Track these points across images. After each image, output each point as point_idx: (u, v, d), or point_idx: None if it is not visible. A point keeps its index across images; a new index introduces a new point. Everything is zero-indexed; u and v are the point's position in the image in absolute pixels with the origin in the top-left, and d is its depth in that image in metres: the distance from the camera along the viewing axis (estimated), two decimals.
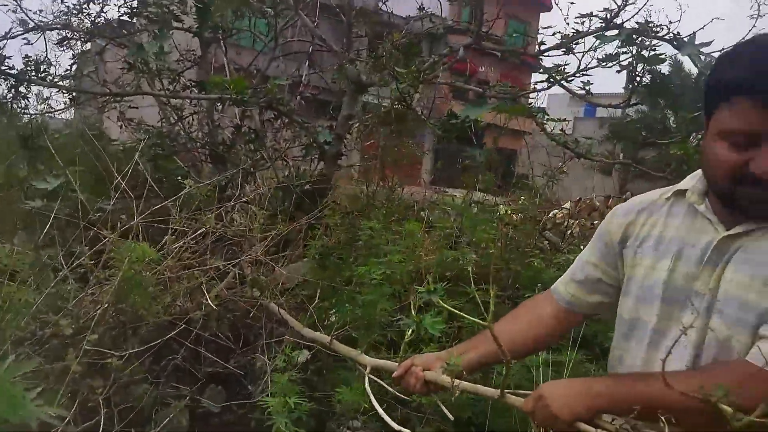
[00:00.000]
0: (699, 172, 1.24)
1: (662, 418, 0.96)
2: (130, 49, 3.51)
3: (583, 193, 8.81)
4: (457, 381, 1.32)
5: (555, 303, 1.45)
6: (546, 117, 3.40)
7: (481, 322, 1.15)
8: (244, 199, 3.66)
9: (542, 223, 5.57)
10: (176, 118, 3.85)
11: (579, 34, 2.93)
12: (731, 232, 1.13)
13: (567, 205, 5.49)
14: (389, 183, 4.39)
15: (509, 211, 4.61)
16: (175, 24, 3.85)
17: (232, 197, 3.94)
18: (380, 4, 5.24)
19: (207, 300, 2.43)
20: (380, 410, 1.44)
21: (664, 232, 1.23)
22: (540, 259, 3.15)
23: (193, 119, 4.26)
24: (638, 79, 2.90)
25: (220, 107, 4.00)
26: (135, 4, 4.30)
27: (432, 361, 1.44)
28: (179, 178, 3.99)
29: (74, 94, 3.61)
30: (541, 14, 33.45)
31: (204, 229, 2.22)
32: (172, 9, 3.93)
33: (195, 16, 3.49)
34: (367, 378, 1.55)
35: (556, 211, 5.48)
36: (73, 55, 3.93)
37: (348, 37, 3.75)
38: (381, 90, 3.76)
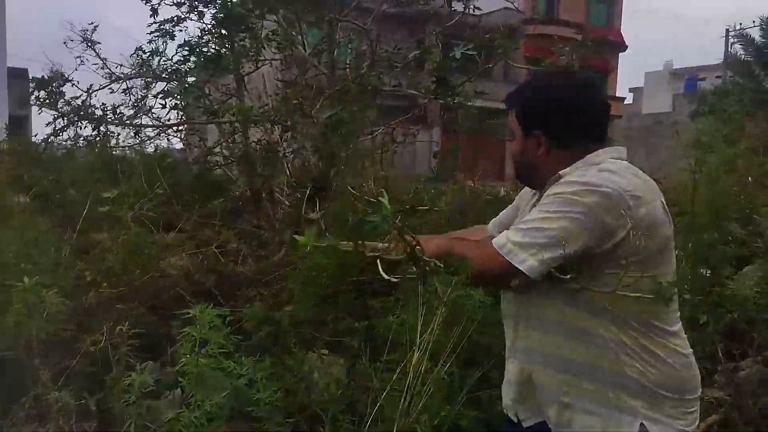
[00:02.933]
0: None
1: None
2: (172, 90, 4.75)
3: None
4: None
5: (485, 233, 2.34)
6: None
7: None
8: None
9: None
10: (222, 139, 5.01)
11: None
12: (537, 196, 2.05)
13: None
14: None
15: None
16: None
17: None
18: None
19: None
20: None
21: (527, 200, 2.15)
22: None
23: (235, 138, 5.43)
24: None
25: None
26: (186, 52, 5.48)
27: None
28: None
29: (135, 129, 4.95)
30: None
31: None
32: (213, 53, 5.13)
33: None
34: None
35: None
36: (135, 99, 5.20)
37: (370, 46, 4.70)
38: None
